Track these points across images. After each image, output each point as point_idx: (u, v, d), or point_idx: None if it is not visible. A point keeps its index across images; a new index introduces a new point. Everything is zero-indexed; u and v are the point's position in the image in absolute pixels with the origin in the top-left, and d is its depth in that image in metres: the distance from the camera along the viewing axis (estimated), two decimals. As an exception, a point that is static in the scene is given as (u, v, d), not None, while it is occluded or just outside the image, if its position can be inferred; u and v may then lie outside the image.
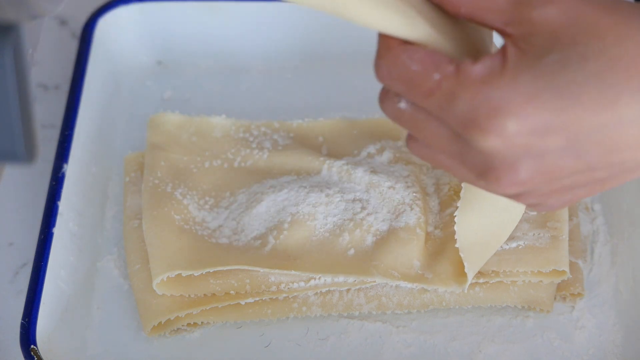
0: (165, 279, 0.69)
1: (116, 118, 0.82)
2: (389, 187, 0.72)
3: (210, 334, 0.71)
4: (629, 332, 0.70)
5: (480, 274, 0.69)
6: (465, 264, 0.67)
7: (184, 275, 0.69)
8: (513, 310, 0.71)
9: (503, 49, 0.53)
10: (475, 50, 0.57)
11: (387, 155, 0.75)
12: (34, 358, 0.66)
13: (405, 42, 0.55)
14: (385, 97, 0.57)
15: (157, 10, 0.85)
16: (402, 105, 0.56)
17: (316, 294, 0.70)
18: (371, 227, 0.71)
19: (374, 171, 0.73)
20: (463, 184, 0.65)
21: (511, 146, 0.52)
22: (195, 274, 0.69)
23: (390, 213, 0.71)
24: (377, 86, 0.83)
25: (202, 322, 0.70)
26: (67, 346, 0.69)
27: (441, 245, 0.70)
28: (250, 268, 0.69)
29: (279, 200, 0.72)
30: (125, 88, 0.84)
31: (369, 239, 0.70)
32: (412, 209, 0.71)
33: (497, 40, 0.59)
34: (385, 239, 0.70)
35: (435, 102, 0.53)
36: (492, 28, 0.54)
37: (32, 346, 0.66)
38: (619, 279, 0.72)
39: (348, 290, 0.70)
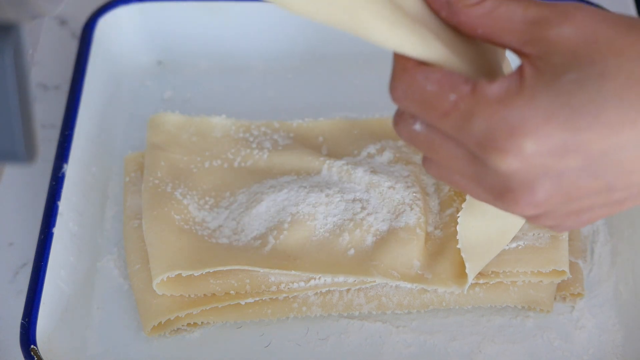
0: (165, 279, 0.69)
1: (116, 118, 0.82)
2: (389, 187, 0.72)
3: (210, 334, 0.71)
4: (629, 332, 0.70)
5: (480, 274, 0.69)
6: (466, 264, 0.67)
7: (184, 275, 0.69)
8: (513, 310, 0.71)
9: (520, 68, 0.53)
10: (489, 70, 0.57)
11: (387, 155, 0.75)
12: (34, 358, 0.66)
13: (421, 63, 0.54)
14: (400, 119, 0.56)
15: (157, 10, 0.85)
16: (417, 127, 0.55)
17: (316, 294, 0.70)
18: (371, 227, 0.71)
19: (374, 171, 0.73)
20: None
21: (529, 167, 0.51)
22: (195, 274, 0.69)
23: (390, 213, 0.71)
24: (377, 86, 0.83)
25: (202, 322, 0.70)
26: (67, 346, 0.69)
27: (441, 245, 0.70)
28: (250, 268, 0.69)
29: (279, 200, 0.72)
30: (125, 88, 0.84)
31: (369, 239, 0.70)
32: (412, 209, 0.71)
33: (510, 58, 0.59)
34: (385, 239, 0.70)
35: (451, 123, 0.53)
36: (509, 48, 0.54)
37: (32, 346, 0.66)
38: (619, 279, 0.72)
39: (348, 290, 0.70)
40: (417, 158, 0.75)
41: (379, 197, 0.72)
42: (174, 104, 0.84)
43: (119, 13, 0.84)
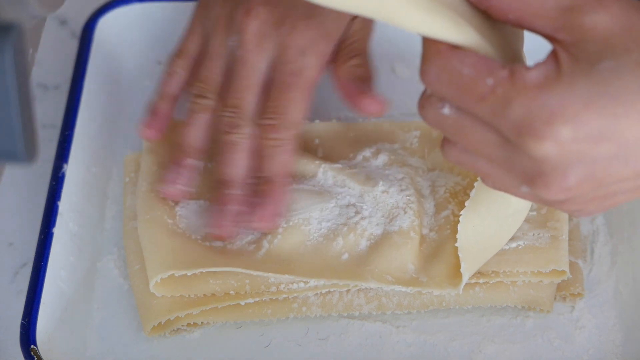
0: (159, 281, 0.68)
1: (116, 118, 0.82)
2: (383, 192, 0.72)
3: (210, 334, 0.71)
4: (629, 332, 0.70)
5: (480, 274, 0.69)
6: (462, 264, 0.67)
7: (177, 275, 0.69)
8: (513, 310, 0.71)
9: (554, 55, 0.53)
10: (513, 57, 0.57)
11: (382, 159, 0.75)
12: (34, 358, 0.66)
13: (454, 47, 0.54)
14: (427, 103, 0.56)
15: (157, 10, 0.85)
16: (446, 110, 0.56)
17: (316, 294, 0.70)
18: (365, 232, 0.70)
19: (368, 176, 0.73)
20: (476, 185, 0.65)
21: (565, 152, 0.52)
22: (188, 274, 0.69)
23: (384, 217, 0.71)
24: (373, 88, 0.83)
25: (202, 322, 0.70)
26: (67, 346, 0.69)
27: (436, 248, 0.70)
28: (244, 271, 0.69)
29: None
30: (125, 88, 0.84)
31: (363, 243, 0.70)
32: (405, 213, 0.71)
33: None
34: (380, 243, 0.70)
35: (488, 108, 0.53)
36: (540, 34, 0.54)
37: (32, 346, 0.66)
38: (619, 279, 0.72)
39: (348, 290, 0.70)
40: (413, 160, 0.75)
41: (373, 202, 0.72)
42: (174, 104, 0.84)
43: (119, 13, 0.84)
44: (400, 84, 0.80)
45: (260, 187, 0.71)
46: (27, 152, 0.47)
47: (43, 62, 0.86)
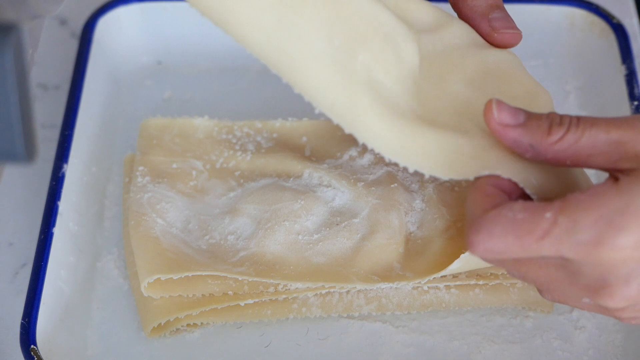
0: (146, 285, 0.68)
1: (116, 118, 0.82)
2: (368, 192, 0.72)
3: (210, 334, 0.71)
4: (629, 332, 0.70)
5: (478, 276, 0.69)
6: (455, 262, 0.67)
7: (163, 279, 0.68)
8: (513, 310, 0.71)
9: (611, 177, 0.55)
10: (572, 181, 0.60)
11: (367, 157, 0.75)
12: (34, 358, 0.66)
13: (498, 203, 0.57)
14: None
15: (157, 10, 0.85)
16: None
17: (316, 295, 0.70)
18: (349, 233, 0.70)
19: (353, 176, 0.73)
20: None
21: (627, 260, 0.54)
22: (175, 278, 0.68)
23: (369, 218, 0.71)
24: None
25: (201, 323, 0.70)
26: (67, 346, 0.69)
27: (422, 245, 0.70)
28: (229, 275, 0.68)
29: (258, 207, 0.72)
30: (125, 88, 0.84)
31: (348, 245, 0.70)
32: (390, 212, 0.71)
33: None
34: (365, 244, 0.70)
35: (551, 241, 0.54)
36: (600, 169, 0.56)
37: (32, 346, 0.66)
38: (619, 279, 0.72)
39: (348, 291, 0.70)
40: None
41: (357, 203, 0.72)
42: (174, 104, 0.84)
43: (119, 13, 0.84)
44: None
45: None
46: (27, 152, 0.47)
47: (43, 62, 0.86)
